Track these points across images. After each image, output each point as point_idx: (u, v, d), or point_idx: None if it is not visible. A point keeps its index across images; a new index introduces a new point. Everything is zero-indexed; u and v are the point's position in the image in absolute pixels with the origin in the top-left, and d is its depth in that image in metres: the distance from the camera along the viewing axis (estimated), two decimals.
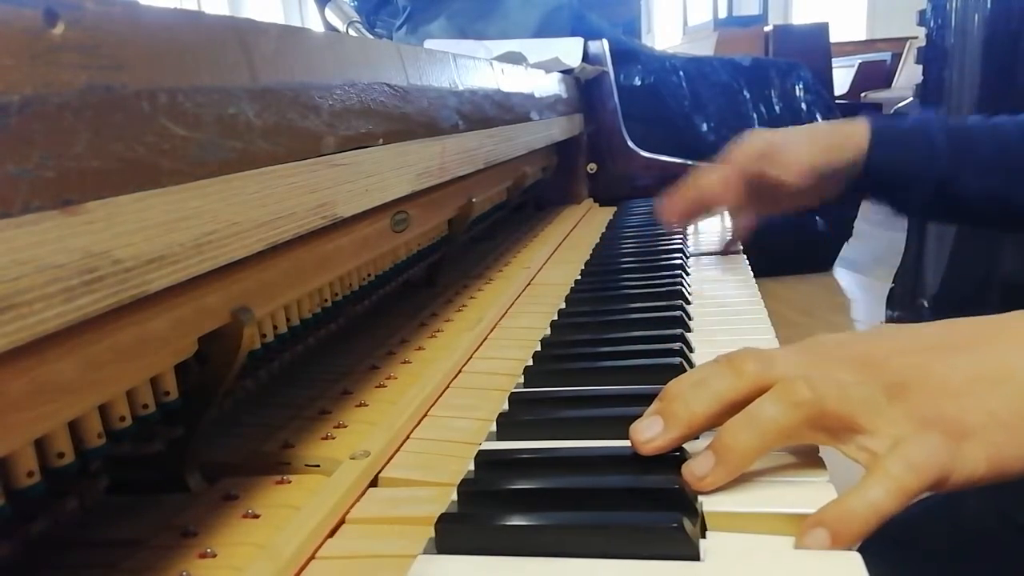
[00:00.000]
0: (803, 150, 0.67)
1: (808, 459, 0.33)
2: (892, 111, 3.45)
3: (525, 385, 0.47)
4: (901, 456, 0.29)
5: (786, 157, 0.67)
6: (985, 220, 0.73)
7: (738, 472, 0.32)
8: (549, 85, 1.05)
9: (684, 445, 0.34)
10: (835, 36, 3.54)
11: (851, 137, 0.66)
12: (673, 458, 0.34)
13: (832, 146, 0.67)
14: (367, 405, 0.46)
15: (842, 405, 0.30)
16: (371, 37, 1.69)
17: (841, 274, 2.76)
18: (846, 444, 0.31)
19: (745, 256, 0.81)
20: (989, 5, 1.60)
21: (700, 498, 0.31)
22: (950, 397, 0.30)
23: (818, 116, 2.68)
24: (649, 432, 0.34)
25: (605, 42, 1.34)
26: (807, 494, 0.31)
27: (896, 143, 0.67)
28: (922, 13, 1.78)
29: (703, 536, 0.30)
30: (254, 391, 0.43)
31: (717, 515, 0.31)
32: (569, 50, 1.28)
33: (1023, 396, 0.29)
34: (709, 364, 0.35)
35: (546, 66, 1.18)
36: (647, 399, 0.39)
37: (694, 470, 0.32)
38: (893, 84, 4.28)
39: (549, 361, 0.51)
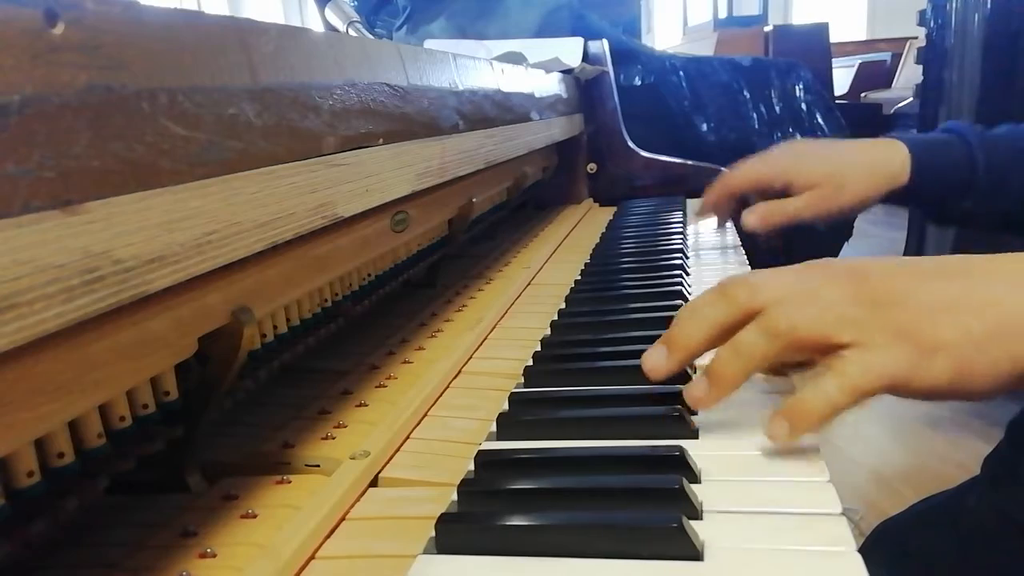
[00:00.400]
0: (861, 184, 0.65)
1: (830, 521, 0.31)
2: (892, 111, 3.45)
3: (525, 385, 0.47)
4: (859, 359, 0.32)
5: (847, 192, 0.65)
6: (1012, 230, 0.70)
7: (729, 392, 0.36)
8: (549, 85, 1.05)
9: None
10: (835, 36, 3.54)
11: (887, 165, 0.65)
12: (673, 458, 0.34)
13: (878, 186, 0.65)
14: (367, 405, 0.46)
15: (816, 329, 0.33)
16: (371, 37, 1.69)
17: None
18: (828, 358, 0.33)
19: (745, 256, 0.81)
20: (989, 5, 1.60)
21: (700, 498, 0.31)
22: (928, 314, 0.32)
23: (818, 116, 2.68)
24: (654, 360, 0.38)
25: (605, 42, 1.34)
26: (807, 494, 0.32)
27: (937, 170, 0.65)
28: (922, 13, 1.78)
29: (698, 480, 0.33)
30: (254, 391, 0.43)
31: (718, 514, 0.31)
32: (569, 50, 1.28)
33: (1002, 321, 0.32)
34: (707, 292, 0.38)
35: (546, 66, 1.18)
36: (647, 399, 0.39)
37: (692, 392, 0.37)
38: (893, 84, 4.28)
39: (549, 361, 0.51)
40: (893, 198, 0.67)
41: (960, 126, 0.67)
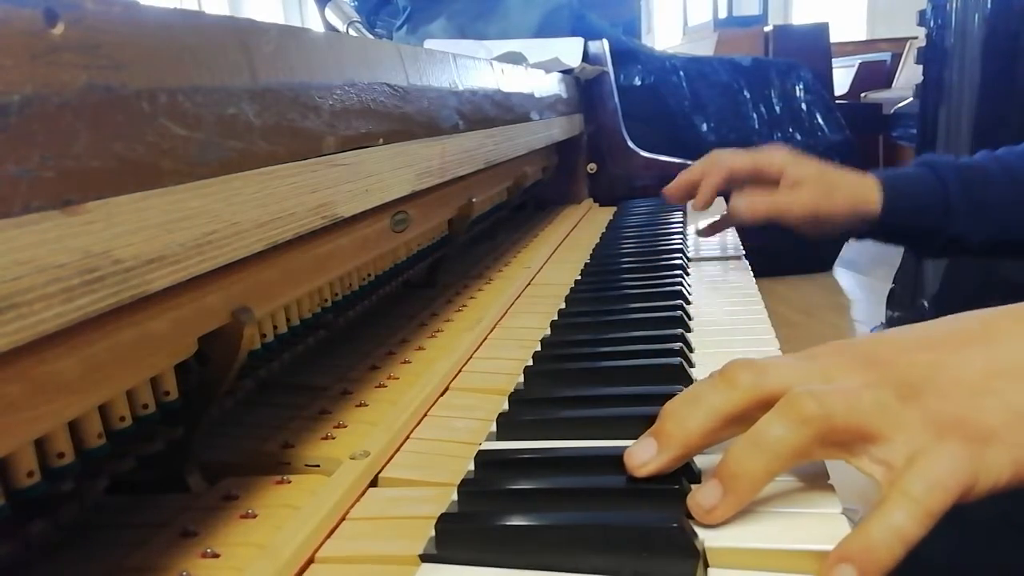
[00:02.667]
0: (848, 195, 0.67)
1: (817, 487, 0.31)
2: (892, 111, 3.45)
3: (525, 385, 0.47)
4: (922, 473, 0.26)
5: (836, 197, 0.66)
6: (1000, 255, 0.71)
7: (748, 500, 0.29)
8: (549, 85, 1.05)
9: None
10: (835, 36, 3.54)
11: (865, 192, 0.66)
12: None
13: (850, 209, 0.66)
14: (367, 405, 0.46)
15: (853, 416, 0.28)
16: (371, 37, 1.69)
17: (841, 274, 2.76)
18: (858, 457, 0.29)
19: (745, 256, 0.81)
20: (989, 5, 1.60)
21: (701, 534, 0.29)
22: (967, 396, 0.28)
23: (818, 116, 2.69)
24: (643, 455, 0.32)
25: (605, 42, 1.34)
26: (818, 527, 0.29)
27: (907, 204, 0.66)
28: (922, 13, 1.78)
29: None
30: (254, 391, 0.43)
31: (720, 551, 0.29)
32: (569, 50, 1.28)
33: None
34: (702, 380, 0.33)
35: (546, 66, 1.18)
36: (647, 399, 0.39)
37: (700, 502, 0.29)
38: (893, 84, 4.28)
39: (549, 361, 0.51)
40: (874, 234, 0.68)
41: (931, 157, 0.68)
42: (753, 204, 0.68)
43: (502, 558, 0.29)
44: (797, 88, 2.70)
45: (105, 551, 0.32)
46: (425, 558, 0.30)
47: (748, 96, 2.65)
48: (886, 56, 4.49)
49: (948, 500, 0.26)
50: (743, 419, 0.30)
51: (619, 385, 0.44)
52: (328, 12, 1.63)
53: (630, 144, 1.31)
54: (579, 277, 0.75)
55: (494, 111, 0.75)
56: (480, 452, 0.37)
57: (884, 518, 0.26)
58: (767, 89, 2.68)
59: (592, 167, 1.31)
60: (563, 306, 0.64)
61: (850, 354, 0.31)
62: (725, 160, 0.72)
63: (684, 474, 0.32)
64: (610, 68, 1.33)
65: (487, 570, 0.29)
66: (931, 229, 0.66)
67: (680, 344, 0.49)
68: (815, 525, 0.29)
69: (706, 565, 0.28)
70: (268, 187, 0.34)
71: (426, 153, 0.55)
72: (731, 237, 0.92)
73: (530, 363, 0.50)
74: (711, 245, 0.88)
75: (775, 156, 0.69)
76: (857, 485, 0.32)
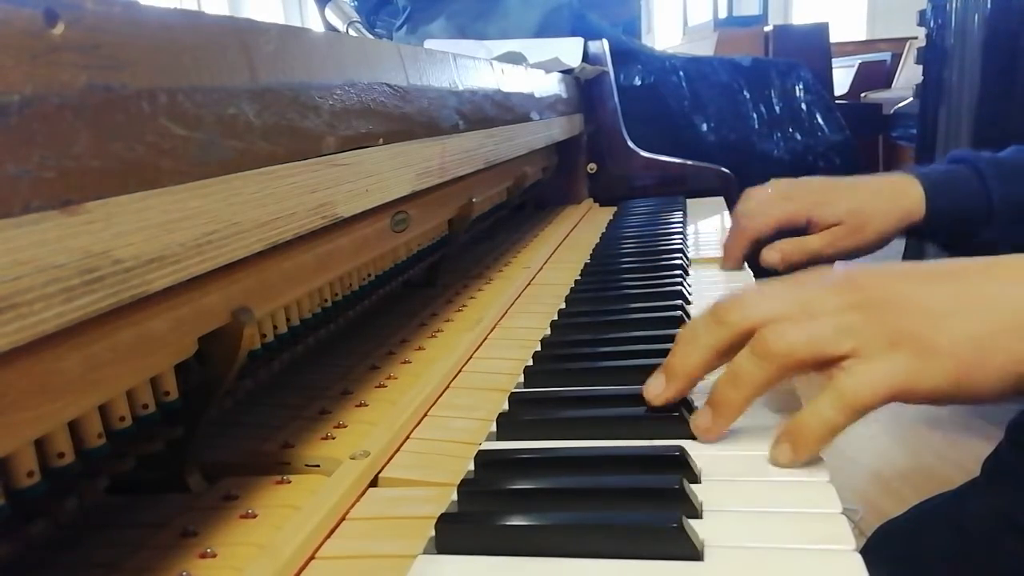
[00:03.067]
0: (881, 221, 0.64)
1: (829, 520, 0.31)
2: (892, 111, 3.45)
3: (525, 385, 0.47)
4: (854, 374, 0.32)
5: (869, 229, 0.64)
6: None
7: (734, 420, 0.36)
8: (549, 85, 1.05)
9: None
10: (835, 36, 3.55)
11: (903, 200, 0.65)
12: (673, 458, 0.34)
13: (898, 222, 0.64)
14: (367, 405, 0.46)
15: (813, 347, 0.33)
16: (371, 37, 1.69)
17: None
18: (828, 373, 0.33)
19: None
20: (989, 5, 1.60)
21: (700, 499, 0.31)
22: (926, 316, 0.32)
23: (818, 116, 2.68)
24: (656, 388, 0.38)
25: (605, 42, 1.34)
26: (807, 494, 0.32)
27: (951, 195, 0.64)
28: (922, 13, 1.78)
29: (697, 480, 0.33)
30: (254, 391, 0.43)
31: (717, 514, 0.31)
32: (569, 50, 1.28)
33: (999, 320, 0.31)
34: (701, 317, 0.38)
35: (546, 66, 1.18)
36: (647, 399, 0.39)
37: (698, 423, 0.37)
38: (893, 84, 4.28)
39: (549, 361, 0.51)
40: (911, 233, 0.66)
41: (968, 154, 0.66)
42: (786, 255, 0.66)
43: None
44: (797, 88, 2.70)
45: (105, 551, 0.32)
46: None
47: (748, 96, 2.65)
48: (886, 56, 4.49)
49: (874, 397, 0.31)
50: (733, 350, 0.36)
51: (619, 385, 0.44)
52: (328, 12, 1.63)
53: (630, 144, 1.31)
54: (579, 277, 0.75)
55: (494, 111, 0.75)
56: (480, 452, 0.37)
57: (814, 407, 0.33)
58: (767, 89, 2.68)
59: (592, 167, 1.31)
60: (563, 306, 0.64)
61: (832, 279, 0.35)
62: (750, 227, 0.68)
63: (684, 474, 0.32)
64: (610, 68, 1.33)
65: (482, 559, 0.29)
66: (969, 232, 0.65)
67: None
68: (816, 527, 0.29)
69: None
70: (268, 187, 0.34)
71: (426, 153, 0.55)
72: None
73: (530, 363, 0.50)
74: (711, 245, 0.88)
75: (801, 203, 0.67)
76: (858, 485, 0.33)
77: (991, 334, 0.31)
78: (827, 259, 0.66)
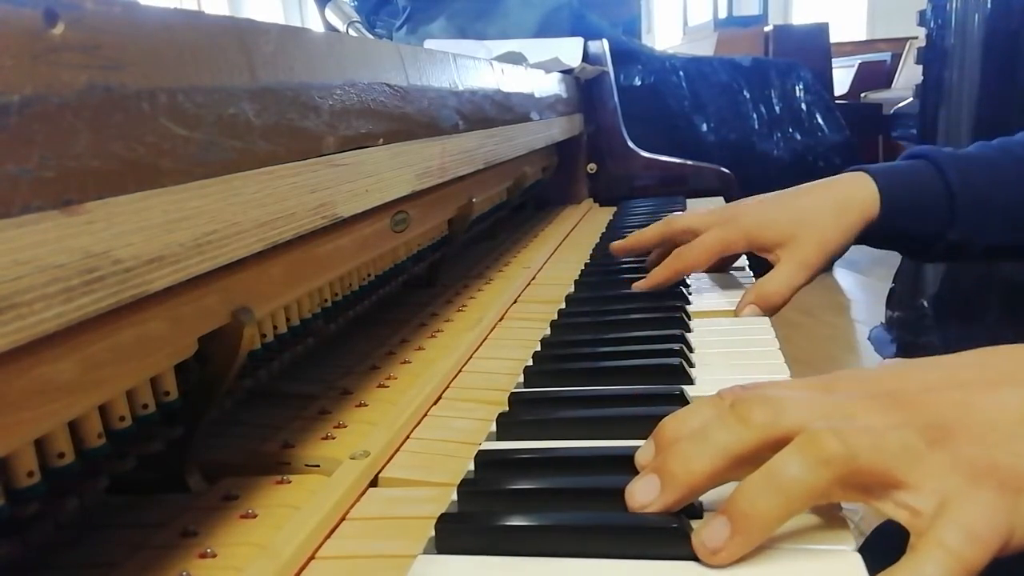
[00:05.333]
0: (832, 228, 0.57)
1: (829, 521, 0.29)
2: (892, 111, 3.45)
3: (525, 385, 0.47)
4: (956, 523, 0.24)
5: (820, 239, 0.57)
6: (1002, 259, 0.64)
7: (758, 542, 0.27)
8: (549, 85, 1.05)
9: None
10: (835, 36, 3.55)
11: (860, 204, 0.58)
12: None
13: (850, 225, 0.58)
14: (367, 405, 0.46)
15: (878, 458, 0.26)
16: (371, 37, 1.69)
17: (841, 274, 2.76)
18: (882, 501, 0.27)
19: (745, 256, 0.81)
20: (989, 5, 1.60)
21: (700, 499, 0.30)
22: (1000, 440, 0.26)
23: (818, 116, 2.68)
24: (645, 496, 0.29)
25: (605, 42, 1.34)
26: (831, 567, 0.27)
27: (907, 189, 0.58)
28: (922, 13, 1.78)
29: None
30: (254, 391, 0.43)
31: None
32: (569, 50, 1.28)
33: None
34: (709, 407, 0.31)
35: (546, 66, 1.18)
36: (647, 399, 0.39)
37: (706, 541, 0.27)
38: (893, 84, 4.28)
39: (549, 361, 0.51)
40: (870, 238, 0.60)
41: (927, 149, 0.61)
42: (762, 309, 0.58)
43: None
44: (797, 88, 2.70)
45: (105, 551, 0.32)
46: None
47: (748, 96, 2.65)
48: (886, 56, 4.49)
49: (987, 554, 0.24)
50: (754, 460, 0.28)
51: (619, 385, 0.44)
52: (328, 12, 1.63)
53: (630, 144, 1.31)
54: (579, 277, 0.75)
55: (494, 111, 0.75)
56: (480, 452, 0.37)
57: (916, 569, 0.24)
58: (767, 89, 2.68)
59: (592, 167, 1.31)
60: (563, 306, 0.64)
61: (872, 389, 0.29)
62: (688, 262, 0.62)
63: None
64: (610, 68, 1.33)
65: (482, 559, 0.29)
66: (932, 234, 0.59)
67: (680, 344, 0.49)
68: (816, 527, 0.29)
69: None
70: (268, 187, 0.34)
71: (426, 153, 0.55)
72: None
73: (530, 363, 0.50)
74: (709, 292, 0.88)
75: (737, 230, 0.60)
76: None
77: None
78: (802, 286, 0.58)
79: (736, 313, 0.57)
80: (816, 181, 0.61)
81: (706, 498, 0.31)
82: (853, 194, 0.58)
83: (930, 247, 0.61)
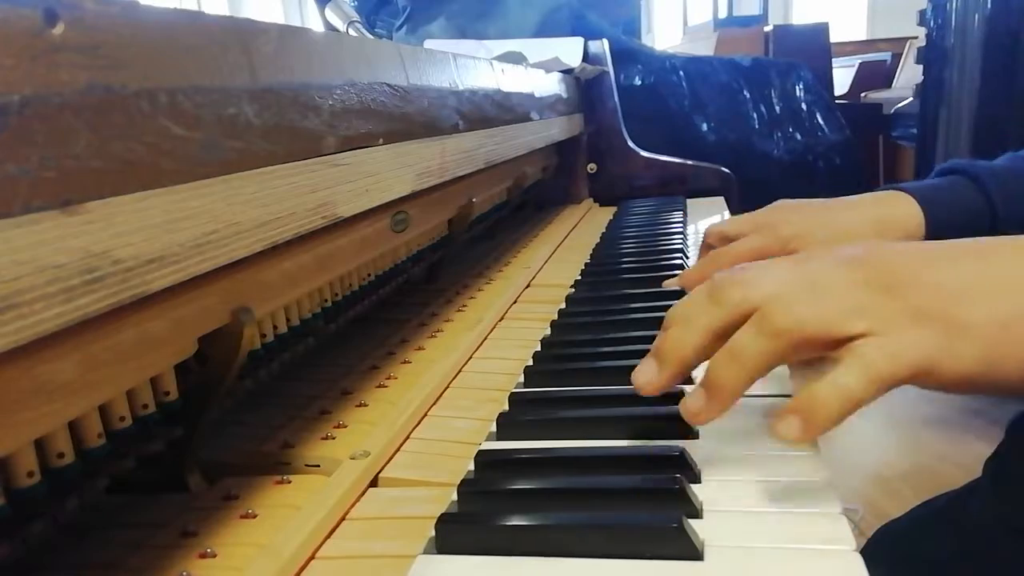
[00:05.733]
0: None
1: (829, 521, 0.30)
2: (892, 111, 3.45)
3: (525, 385, 0.47)
4: (878, 342, 0.29)
5: None
6: None
7: (729, 405, 0.32)
8: (549, 85, 1.05)
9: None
10: (835, 36, 3.54)
11: (903, 223, 0.57)
12: (673, 458, 0.34)
13: (901, 235, 0.57)
14: (367, 405, 0.46)
15: (824, 323, 0.30)
16: (371, 37, 1.69)
17: None
18: (838, 353, 0.30)
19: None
20: (989, 5, 1.60)
21: (700, 498, 0.31)
22: (952, 295, 0.29)
23: (818, 116, 2.68)
24: (645, 376, 0.35)
25: (605, 42, 1.34)
26: (807, 494, 0.31)
27: (953, 213, 0.57)
28: (922, 13, 1.78)
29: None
30: (254, 391, 0.43)
31: (718, 514, 0.31)
32: (569, 50, 1.28)
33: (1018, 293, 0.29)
34: (694, 297, 0.35)
35: (546, 66, 1.18)
36: (647, 399, 0.39)
37: (689, 406, 0.33)
38: (893, 84, 4.28)
39: (549, 361, 0.51)
40: None
41: (961, 164, 0.61)
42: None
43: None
44: (797, 88, 2.70)
45: (105, 551, 0.32)
46: None
47: (748, 96, 2.65)
48: (886, 56, 4.49)
49: (900, 370, 0.28)
50: (732, 333, 0.32)
51: (619, 385, 0.44)
52: (328, 12, 1.63)
53: (630, 144, 1.31)
54: (579, 277, 0.75)
55: (494, 111, 0.75)
56: (480, 452, 0.37)
57: (832, 377, 0.29)
58: (767, 89, 2.68)
59: (592, 167, 1.31)
60: (563, 306, 0.64)
61: (842, 256, 0.32)
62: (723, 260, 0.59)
63: (684, 474, 0.32)
64: (610, 68, 1.33)
65: (482, 559, 0.29)
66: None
67: None
68: (816, 527, 0.29)
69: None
70: (268, 187, 0.34)
71: (426, 153, 0.55)
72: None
73: (530, 363, 0.50)
74: None
75: (778, 236, 0.58)
76: (858, 486, 0.32)
77: (1018, 316, 0.28)
78: None
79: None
80: (857, 196, 0.60)
81: (705, 498, 0.31)
82: (895, 213, 0.58)
83: None
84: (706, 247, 0.60)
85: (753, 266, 0.34)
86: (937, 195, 0.58)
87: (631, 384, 0.43)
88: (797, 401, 0.30)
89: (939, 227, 0.57)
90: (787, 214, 0.60)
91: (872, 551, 0.60)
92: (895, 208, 0.58)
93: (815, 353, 0.31)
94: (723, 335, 0.33)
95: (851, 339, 0.30)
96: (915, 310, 0.29)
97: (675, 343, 0.34)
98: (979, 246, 0.32)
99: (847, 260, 0.32)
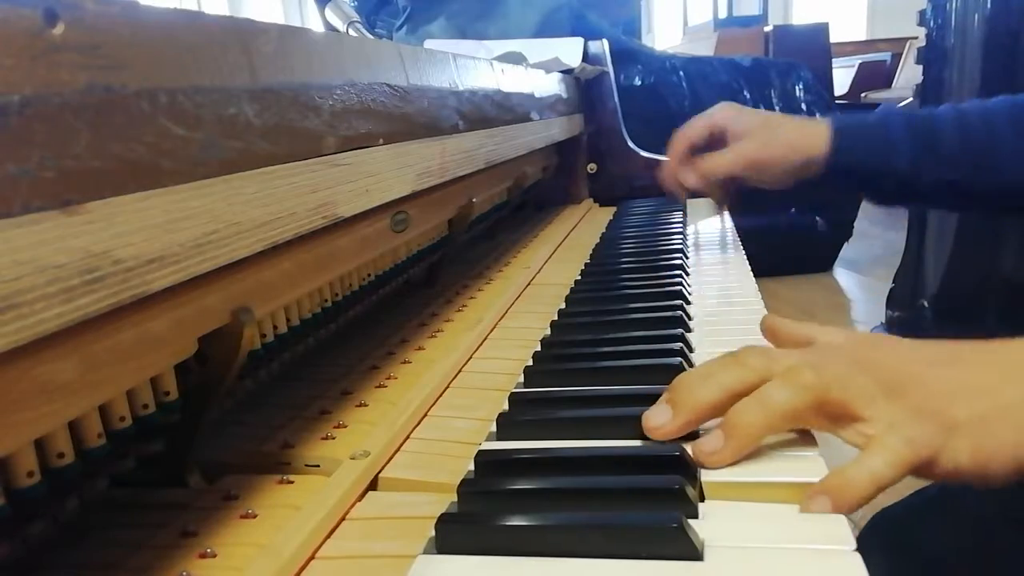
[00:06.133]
0: (789, 139, 0.72)
1: (829, 520, 0.31)
2: None
3: (525, 385, 0.47)
4: (898, 432, 0.31)
5: (776, 145, 0.72)
6: (947, 206, 0.83)
7: (745, 450, 0.34)
8: (549, 85, 1.05)
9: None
10: (835, 36, 3.54)
11: (811, 137, 0.70)
12: (673, 458, 0.34)
13: (790, 145, 0.71)
14: (367, 405, 0.46)
15: (844, 393, 0.33)
16: (371, 37, 1.69)
17: (841, 274, 2.76)
18: (845, 430, 0.33)
19: (745, 256, 0.81)
20: (989, 5, 1.60)
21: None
22: (940, 398, 0.33)
23: (818, 116, 2.68)
24: (658, 419, 0.36)
25: (605, 42, 1.34)
26: (799, 466, 0.33)
27: (857, 145, 0.70)
28: (922, 13, 1.78)
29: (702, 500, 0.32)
30: (254, 391, 0.43)
31: (714, 485, 0.32)
32: (569, 50, 1.28)
33: (1003, 406, 0.32)
34: (715, 360, 0.37)
35: (546, 66, 1.18)
36: (647, 399, 0.39)
37: (703, 447, 0.34)
38: (893, 84, 4.29)
39: (549, 361, 0.51)
40: (823, 175, 0.71)
41: (888, 106, 0.75)
42: (702, 173, 0.76)
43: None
44: (797, 88, 2.70)
45: (105, 551, 0.32)
46: None
47: (748, 96, 2.64)
48: (886, 56, 4.49)
49: (918, 455, 0.31)
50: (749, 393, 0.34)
51: (619, 385, 0.44)
52: (328, 12, 1.63)
53: (630, 144, 1.30)
54: (579, 277, 0.75)
55: (494, 111, 0.75)
56: (480, 452, 0.37)
57: (862, 461, 0.31)
58: (767, 89, 2.68)
59: (592, 167, 1.31)
60: (563, 306, 0.64)
61: (849, 355, 0.35)
62: (684, 132, 0.79)
63: (683, 475, 0.32)
64: (610, 68, 1.33)
65: (482, 559, 0.29)
66: (879, 170, 0.69)
67: (680, 344, 0.49)
68: (816, 526, 0.29)
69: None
70: (268, 187, 0.34)
71: (426, 153, 0.55)
72: (731, 235, 0.92)
73: (530, 363, 0.50)
74: (711, 244, 0.88)
75: (716, 116, 0.76)
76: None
77: (995, 418, 0.32)
78: (740, 175, 0.74)
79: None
80: (796, 117, 0.76)
81: (707, 497, 0.31)
82: (813, 124, 0.72)
83: (880, 186, 0.72)
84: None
85: (772, 348, 0.37)
86: (851, 132, 0.70)
87: (631, 385, 0.44)
88: (828, 482, 0.31)
89: (840, 148, 0.70)
90: (729, 110, 0.76)
91: (867, 536, 0.60)
92: (815, 125, 0.72)
93: (826, 421, 0.33)
94: (740, 396, 0.34)
95: (858, 419, 0.33)
96: (917, 409, 0.32)
97: (693, 393, 0.36)
98: (957, 354, 0.35)
99: (857, 361, 0.35)
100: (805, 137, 0.71)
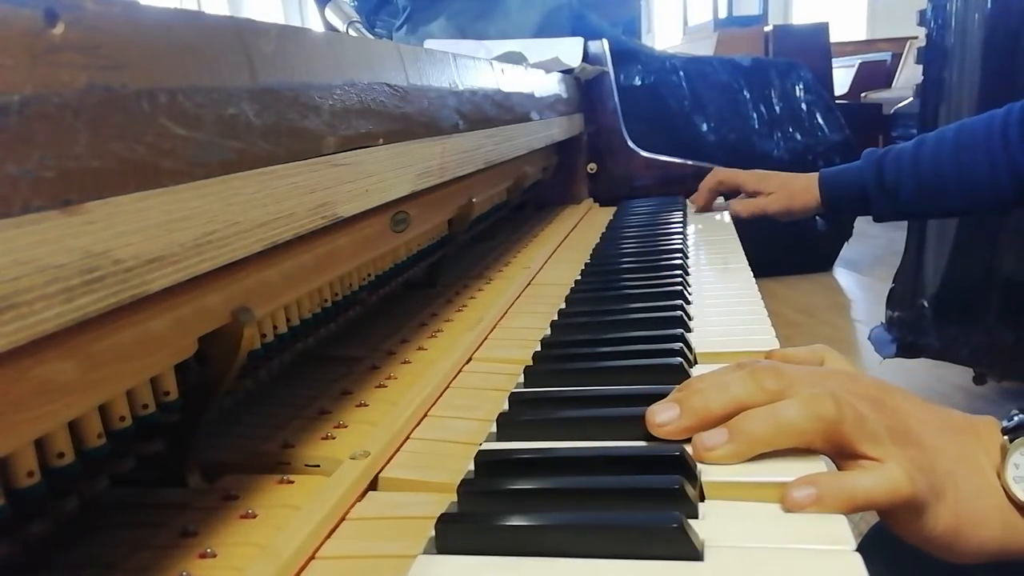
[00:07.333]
0: (804, 196, 0.99)
1: (829, 521, 0.31)
2: (892, 111, 3.45)
3: (525, 385, 0.47)
4: (904, 467, 0.32)
5: (797, 200, 0.99)
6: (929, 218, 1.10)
7: (745, 456, 0.33)
8: (549, 85, 1.05)
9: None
10: (835, 36, 3.54)
11: (806, 191, 0.98)
12: (673, 458, 0.34)
13: (806, 199, 0.99)
14: (367, 405, 0.46)
15: (857, 430, 0.32)
16: (371, 37, 1.69)
17: (841, 274, 2.76)
18: (846, 461, 0.33)
19: (745, 256, 0.81)
20: (989, 5, 1.60)
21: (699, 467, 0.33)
22: (939, 465, 0.34)
23: (818, 116, 2.68)
24: (664, 416, 0.36)
25: (605, 42, 1.34)
26: (800, 466, 0.33)
27: (838, 193, 0.96)
28: (922, 13, 1.78)
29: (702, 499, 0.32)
30: (254, 391, 0.43)
31: (714, 485, 0.32)
32: (569, 50, 1.28)
33: (987, 486, 0.34)
34: (733, 370, 0.36)
35: (546, 66, 1.18)
36: (647, 399, 0.39)
37: (705, 441, 0.34)
38: (893, 84, 4.28)
39: (549, 361, 0.51)
40: (823, 213, 0.99)
41: (871, 150, 0.94)
42: (746, 207, 1.04)
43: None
44: (797, 88, 2.70)
45: (105, 551, 0.32)
46: None
47: (748, 96, 2.65)
48: (886, 56, 4.49)
49: (912, 491, 0.31)
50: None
51: (619, 385, 0.44)
52: (328, 12, 1.63)
53: (630, 144, 1.30)
54: (579, 277, 0.75)
55: (494, 111, 0.75)
56: (480, 452, 0.37)
57: (858, 475, 0.32)
58: (767, 89, 2.68)
59: (592, 167, 1.31)
60: (563, 306, 0.64)
61: (863, 390, 0.36)
62: (717, 173, 1.11)
63: (684, 475, 0.32)
64: (610, 68, 1.33)
65: (482, 559, 0.29)
66: (859, 210, 0.95)
67: (680, 344, 0.49)
68: (816, 526, 0.29)
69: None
70: (268, 187, 0.34)
71: (426, 153, 0.55)
72: (730, 235, 0.92)
73: (530, 363, 0.50)
74: (711, 244, 0.88)
75: (752, 177, 1.07)
76: None
77: (979, 494, 0.34)
78: (771, 215, 1.01)
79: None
80: (802, 176, 1.01)
81: (707, 497, 0.31)
82: (811, 190, 0.98)
83: (860, 214, 0.97)
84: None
85: (784, 365, 0.37)
86: (829, 178, 0.97)
87: (631, 385, 0.44)
88: (820, 478, 0.31)
89: (827, 200, 0.97)
90: (758, 172, 1.09)
91: (868, 546, 0.60)
92: (804, 187, 0.99)
93: (830, 449, 0.33)
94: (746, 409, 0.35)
95: (862, 457, 0.33)
96: (919, 463, 0.33)
97: (704, 400, 0.35)
98: (957, 425, 0.37)
99: (871, 399, 0.35)
100: (810, 194, 0.98)
